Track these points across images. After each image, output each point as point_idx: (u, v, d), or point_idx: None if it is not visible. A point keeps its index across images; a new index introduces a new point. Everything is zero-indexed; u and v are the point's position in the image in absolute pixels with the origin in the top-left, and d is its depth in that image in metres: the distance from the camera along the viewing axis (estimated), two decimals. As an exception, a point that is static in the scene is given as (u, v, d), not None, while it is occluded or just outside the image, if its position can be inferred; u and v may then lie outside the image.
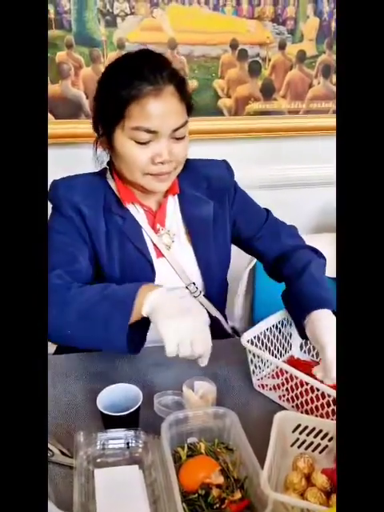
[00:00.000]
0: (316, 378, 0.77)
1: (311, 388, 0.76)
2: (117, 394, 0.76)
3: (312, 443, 0.72)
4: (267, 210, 1.11)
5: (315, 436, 0.71)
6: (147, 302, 0.76)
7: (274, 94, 1.76)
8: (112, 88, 0.85)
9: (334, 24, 1.70)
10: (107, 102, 0.87)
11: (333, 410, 0.75)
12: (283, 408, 0.83)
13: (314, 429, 0.71)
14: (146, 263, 0.95)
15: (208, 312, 1.06)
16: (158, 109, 0.83)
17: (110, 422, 0.72)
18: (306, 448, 0.72)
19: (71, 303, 0.80)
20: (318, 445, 0.71)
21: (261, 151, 1.82)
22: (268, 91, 1.75)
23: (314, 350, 0.96)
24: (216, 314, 1.08)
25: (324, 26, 1.70)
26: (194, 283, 1.01)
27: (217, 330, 1.15)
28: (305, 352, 0.97)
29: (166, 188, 0.94)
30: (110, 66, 0.89)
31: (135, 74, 0.84)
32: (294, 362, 0.92)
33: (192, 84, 1.65)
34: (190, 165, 1.02)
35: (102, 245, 0.93)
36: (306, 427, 0.71)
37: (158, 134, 0.85)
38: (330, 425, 0.70)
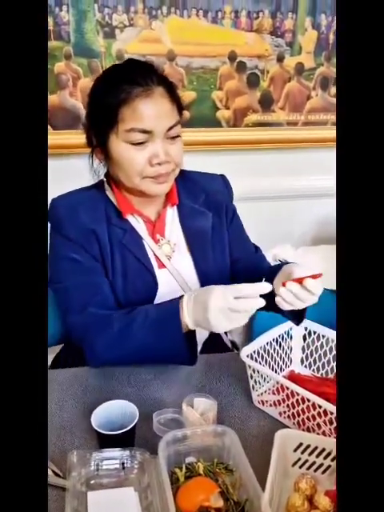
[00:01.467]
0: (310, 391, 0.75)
1: (313, 405, 0.74)
2: (112, 412, 0.73)
3: (314, 463, 0.69)
4: (256, 247, 1.13)
5: (317, 455, 0.69)
6: (185, 317, 0.80)
7: (273, 105, 1.76)
8: (102, 95, 0.85)
9: (332, 37, 1.71)
10: (98, 110, 0.87)
11: (335, 427, 0.72)
12: (284, 425, 0.80)
13: (316, 448, 0.69)
14: (148, 274, 0.94)
15: None
16: (150, 109, 0.84)
17: (105, 440, 0.70)
18: (308, 468, 0.70)
19: (126, 340, 0.85)
20: (321, 464, 0.69)
21: (259, 163, 1.82)
22: (266, 103, 1.75)
23: (314, 364, 0.94)
24: None
25: (322, 39, 1.71)
26: None
27: (216, 344, 1.14)
28: (306, 366, 0.95)
29: (165, 191, 0.93)
30: (99, 76, 0.90)
31: (124, 79, 0.84)
32: (294, 377, 0.90)
33: (190, 95, 1.66)
34: (188, 177, 1.01)
35: (107, 258, 0.92)
36: (308, 446, 0.69)
37: (153, 133, 0.85)
38: (332, 443, 0.67)
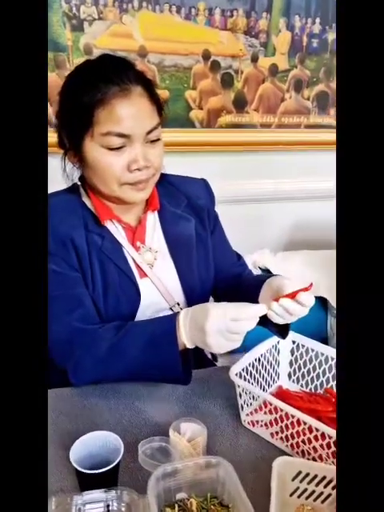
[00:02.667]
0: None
1: (309, 428, 0.70)
2: (93, 445, 0.66)
3: (314, 492, 0.65)
4: (239, 255, 1.10)
5: (317, 484, 0.64)
6: (182, 335, 0.75)
7: (247, 107, 1.72)
8: (75, 95, 0.78)
9: (305, 39, 1.68)
10: (71, 110, 0.79)
11: (333, 452, 0.68)
12: (276, 448, 0.76)
13: (316, 476, 0.64)
14: (130, 284, 0.87)
15: None
16: (128, 111, 0.77)
17: (86, 479, 0.63)
18: (308, 497, 0.65)
19: (116, 358, 0.79)
20: (321, 493, 0.65)
21: (233, 165, 1.78)
22: (240, 104, 1.71)
23: (303, 379, 0.90)
24: None
25: (296, 41, 1.68)
26: (178, 304, 0.93)
27: (197, 356, 1.08)
28: (293, 381, 0.91)
29: (145, 198, 0.87)
30: (71, 73, 0.82)
31: (99, 77, 0.77)
32: (283, 394, 0.86)
33: (163, 94, 1.59)
34: (169, 180, 0.95)
35: (87, 268, 0.84)
36: (307, 474, 0.64)
37: (131, 137, 0.78)
38: (334, 471, 0.63)
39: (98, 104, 0.75)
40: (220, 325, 0.69)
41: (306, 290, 0.76)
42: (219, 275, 1.02)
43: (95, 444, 0.66)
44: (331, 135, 1.84)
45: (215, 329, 0.70)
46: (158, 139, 0.82)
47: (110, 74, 0.76)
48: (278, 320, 0.77)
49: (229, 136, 1.73)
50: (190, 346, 0.76)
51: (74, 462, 0.63)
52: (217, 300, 1.06)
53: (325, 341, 1.37)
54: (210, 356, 1.14)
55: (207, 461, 0.64)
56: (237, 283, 1.01)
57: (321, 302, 1.44)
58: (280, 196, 1.88)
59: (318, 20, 1.66)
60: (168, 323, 0.77)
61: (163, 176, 0.91)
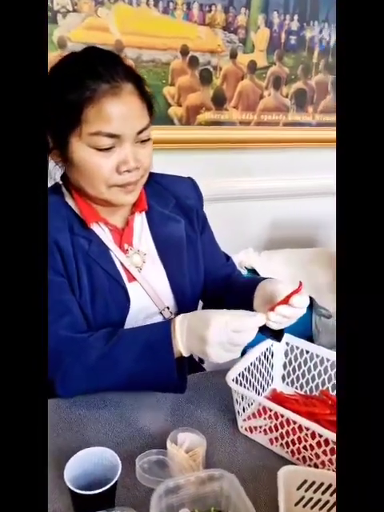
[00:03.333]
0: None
1: (312, 434, 0.68)
2: (88, 462, 0.62)
3: (319, 500, 0.63)
4: (227, 256, 1.08)
5: (323, 492, 0.63)
6: (179, 344, 0.72)
7: (226, 104, 1.70)
8: (61, 92, 0.72)
9: (284, 36, 1.67)
10: (57, 108, 0.74)
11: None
12: (276, 455, 0.74)
13: (322, 484, 0.62)
14: (119, 289, 0.83)
15: None
16: (119, 110, 0.72)
17: (82, 501, 0.58)
18: (313, 507, 0.63)
19: (108, 367, 0.75)
20: (327, 502, 0.63)
21: (213, 163, 1.75)
22: (219, 101, 1.68)
23: (297, 381, 0.88)
24: None
25: (274, 38, 1.67)
26: (168, 307, 0.90)
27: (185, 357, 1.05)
28: (287, 384, 0.89)
29: (133, 200, 0.83)
30: (55, 67, 0.76)
31: (87, 73, 0.72)
32: (278, 398, 0.84)
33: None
34: (155, 180, 0.92)
35: (73, 273, 0.80)
36: (312, 483, 0.62)
37: (121, 138, 0.74)
38: (339, 478, 0.61)
39: (87, 102, 0.71)
40: (222, 336, 0.67)
41: (297, 291, 0.74)
42: (208, 277, 0.99)
43: (90, 461, 0.62)
44: (309, 133, 1.84)
45: (217, 340, 0.67)
46: (148, 139, 0.78)
47: (99, 70, 0.71)
48: (277, 327, 0.75)
49: (208, 133, 1.70)
50: (186, 354, 0.73)
51: (68, 481, 0.59)
52: (206, 302, 1.03)
53: (310, 339, 1.37)
54: (196, 358, 1.11)
55: (210, 474, 0.61)
56: (226, 285, 0.99)
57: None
58: (259, 194, 1.87)
59: (296, 17, 1.66)
60: (163, 330, 0.73)
61: (150, 175, 0.87)
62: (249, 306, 0.84)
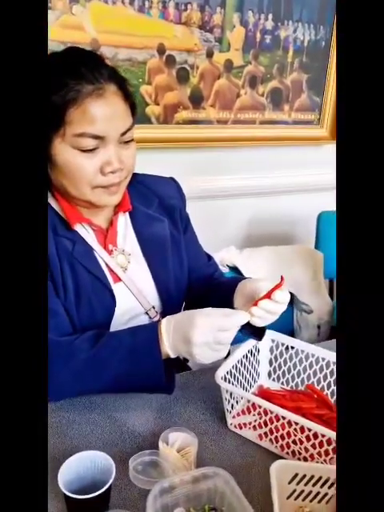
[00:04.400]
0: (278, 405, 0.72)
1: (301, 428, 0.69)
2: (81, 466, 0.62)
3: (310, 492, 0.65)
4: (209, 256, 1.08)
5: (314, 484, 0.64)
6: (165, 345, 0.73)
7: (203, 102, 1.70)
8: None
9: (259, 35, 1.69)
10: None
11: (325, 450, 0.68)
12: (265, 450, 0.75)
13: (312, 477, 0.64)
14: (104, 290, 0.83)
15: None
16: (103, 111, 0.72)
17: (76, 505, 0.58)
18: (304, 499, 0.65)
19: (96, 370, 0.74)
20: (318, 493, 0.64)
21: (190, 161, 1.75)
22: (197, 100, 1.69)
23: (283, 377, 0.90)
24: None
25: (249, 37, 1.68)
26: (153, 307, 0.90)
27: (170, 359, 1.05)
28: (274, 380, 0.91)
29: (117, 201, 0.83)
30: None
31: (71, 74, 0.71)
32: (266, 394, 0.85)
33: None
34: (138, 180, 0.91)
35: (57, 275, 0.78)
36: (303, 476, 0.64)
37: (105, 139, 0.74)
38: (329, 471, 0.63)
39: (71, 103, 0.70)
40: (207, 336, 0.68)
41: (279, 286, 0.76)
42: (191, 276, 1.00)
43: (84, 465, 0.62)
44: (285, 131, 1.87)
45: (203, 340, 0.68)
46: (131, 140, 0.78)
47: (82, 71, 0.71)
48: (260, 323, 0.76)
49: (186, 132, 1.70)
50: (173, 355, 0.73)
51: (62, 485, 0.59)
52: (188, 301, 1.04)
53: (291, 335, 1.39)
54: (181, 358, 1.11)
55: (204, 473, 0.62)
56: (208, 285, 0.99)
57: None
58: (236, 192, 1.89)
59: (270, 16, 1.67)
60: (149, 332, 0.73)
61: (133, 176, 0.87)
62: (230, 306, 0.85)
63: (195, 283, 1.00)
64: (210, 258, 1.07)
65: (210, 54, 1.64)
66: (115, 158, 0.75)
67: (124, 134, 0.75)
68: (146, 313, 0.90)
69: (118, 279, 0.86)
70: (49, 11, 1.39)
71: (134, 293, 0.87)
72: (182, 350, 0.71)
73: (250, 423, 0.76)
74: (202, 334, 0.68)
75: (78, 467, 0.61)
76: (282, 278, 0.77)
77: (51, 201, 0.82)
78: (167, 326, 0.72)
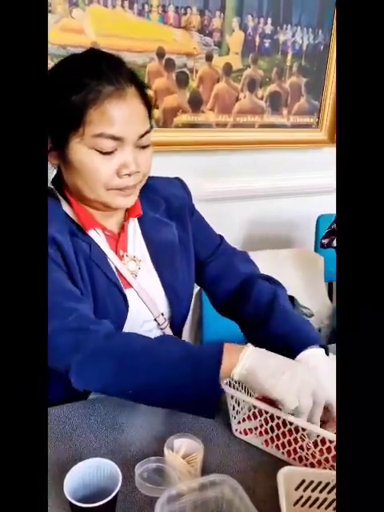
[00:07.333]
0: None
1: (308, 435, 0.69)
2: (88, 473, 0.61)
3: (317, 499, 0.64)
4: (221, 236, 1.05)
5: (321, 491, 0.64)
6: (240, 364, 0.67)
7: (202, 106, 1.70)
8: (63, 93, 0.71)
9: (258, 39, 1.69)
10: (59, 109, 0.72)
11: (333, 456, 0.68)
12: (271, 456, 0.75)
13: (320, 483, 0.63)
14: (118, 295, 0.82)
15: None
16: (123, 112, 0.72)
17: (83, 513, 0.57)
18: (311, 505, 0.64)
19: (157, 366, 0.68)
20: (325, 499, 0.64)
21: (189, 164, 1.75)
22: (196, 103, 1.69)
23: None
24: None
25: (249, 41, 1.69)
26: (162, 314, 0.90)
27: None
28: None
29: (131, 204, 0.82)
30: (56, 68, 0.75)
31: (91, 75, 0.71)
32: (269, 399, 0.85)
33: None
34: (146, 184, 0.91)
35: (76, 276, 0.77)
36: (311, 482, 0.64)
37: (123, 141, 0.73)
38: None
39: (91, 103, 0.70)
40: (300, 389, 0.66)
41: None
42: (210, 265, 0.97)
43: (89, 473, 0.61)
44: (284, 134, 1.87)
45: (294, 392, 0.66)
46: (149, 145, 0.78)
47: (104, 72, 0.71)
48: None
49: (185, 135, 1.70)
50: (236, 378, 0.69)
51: (68, 494, 0.58)
52: (217, 298, 1.01)
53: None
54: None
55: (211, 480, 0.61)
56: (246, 298, 0.93)
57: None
58: (236, 195, 1.89)
59: (269, 20, 1.68)
60: (214, 346, 0.70)
61: None
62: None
63: (215, 271, 0.97)
64: (221, 238, 1.03)
65: (209, 58, 1.65)
66: (132, 160, 0.75)
67: (142, 137, 0.75)
68: (155, 319, 0.90)
69: (128, 285, 0.86)
70: (48, 14, 1.39)
71: (143, 299, 0.87)
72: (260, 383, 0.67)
73: (255, 429, 0.76)
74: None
75: (83, 475, 0.61)
76: None
77: (65, 206, 0.82)
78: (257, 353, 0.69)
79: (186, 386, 0.67)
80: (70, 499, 0.57)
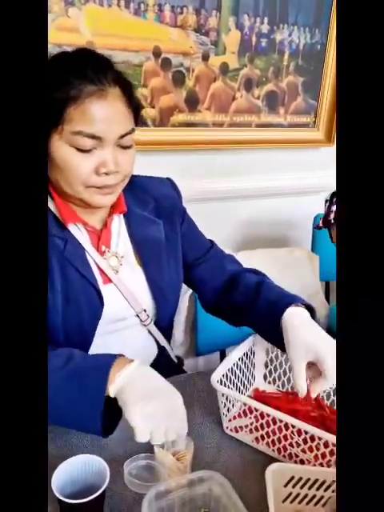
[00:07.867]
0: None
1: (298, 431, 0.69)
2: (76, 469, 0.61)
3: (306, 495, 0.64)
4: (212, 241, 1.05)
5: (310, 487, 0.64)
6: (115, 382, 0.63)
7: (199, 105, 1.70)
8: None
9: (254, 39, 1.69)
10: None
11: (322, 453, 0.68)
12: (262, 453, 0.75)
13: (308, 480, 0.63)
14: (92, 291, 0.82)
15: (156, 341, 0.98)
16: (103, 112, 0.72)
17: (70, 509, 0.57)
18: (300, 502, 0.64)
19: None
20: (313, 496, 0.64)
21: (185, 164, 1.75)
22: (192, 103, 1.69)
23: (279, 379, 0.90)
24: (164, 343, 1.00)
25: (245, 40, 1.69)
26: (144, 310, 0.90)
27: (163, 360, 1.05)
28: (269, 383, 0.91)
29: (110, 203, 0.82)
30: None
31: (75, 73, 0.71)
32: (261, 396, 0.85)
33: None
34: (134, 182, 0.91)
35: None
36: (299, 479, 0.64)
37: (103, 140, 0.73)
38: (325, 474, 0.63)
39: (71, 102, 0.70)
40: (154, 426, 0.62)
41: None
42: (200, 267, 0.98)
43: (77, 469, 0.61)
44: (281, 134, 1.87)
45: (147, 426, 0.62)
46: (131, 146, 0.78)
47: (87, 72, 0.71)
48: None
49: (182, 135, 1.70)
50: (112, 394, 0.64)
51: (55, 489, 0.58)
52: (206, 298, 1.01)
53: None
54: (175, 360, 1.10)
55: (199, 476, 0.61)
56: (219, 275, 0.97)
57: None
58: (232, 194, 1.89)
59: (266, 20, 1.68)
60: (105, 359, 0.67)
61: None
62: (274, 332, 0.79)
63: (205, 272, 0.98)
64: (212, 243, 1.04)
65: (205, 57, 1.65)
66: (111, 160, 0.75)
67: (123, 137, 0.75)
68: (137, 315, 0.90)
69: (108, 281, 0.86)
70: (44, 14, 1.39)
71: (124, 295, 0.87)
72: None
73: (246, 426, 0.76)
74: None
75: (71, 471, 0.61)
76: None
77: (49, 201, 0.82)
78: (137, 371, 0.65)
79: (74, 402, 0.64)
80: (57, 495, 0.57)
